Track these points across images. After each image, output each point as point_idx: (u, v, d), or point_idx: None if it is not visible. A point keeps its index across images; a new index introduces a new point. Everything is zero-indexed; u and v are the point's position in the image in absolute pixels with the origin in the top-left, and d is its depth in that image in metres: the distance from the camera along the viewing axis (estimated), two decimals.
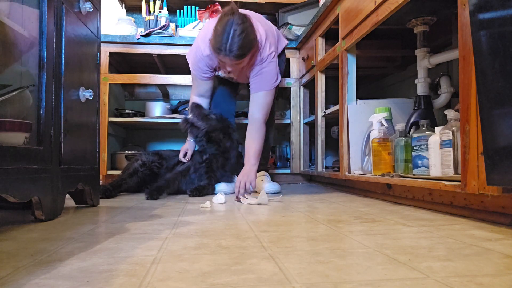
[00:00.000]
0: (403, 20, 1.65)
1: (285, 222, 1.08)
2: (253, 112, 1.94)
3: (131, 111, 2.73)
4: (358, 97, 1.86)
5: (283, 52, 2.17)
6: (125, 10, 3.16)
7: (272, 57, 1.91)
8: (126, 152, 2.64)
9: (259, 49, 1.87)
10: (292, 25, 2.65)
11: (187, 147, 2.12)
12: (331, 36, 2.18)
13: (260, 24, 1.94)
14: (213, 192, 1.95)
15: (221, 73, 2.05)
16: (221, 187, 2.00)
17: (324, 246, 0.78)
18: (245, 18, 1.73)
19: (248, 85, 2.09)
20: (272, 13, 3.07)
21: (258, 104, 1.93)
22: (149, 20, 2.67)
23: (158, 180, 1.99)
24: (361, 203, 1.50)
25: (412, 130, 1.56)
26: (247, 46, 1.73)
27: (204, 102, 2.11)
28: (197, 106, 2.05)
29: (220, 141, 2.02)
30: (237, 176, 2.14)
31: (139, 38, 2.53)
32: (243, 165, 1.94)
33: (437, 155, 1.24)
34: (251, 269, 0.63)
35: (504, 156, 0.82)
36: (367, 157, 1.74)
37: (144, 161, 2.09)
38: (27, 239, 0.89)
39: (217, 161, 2.03)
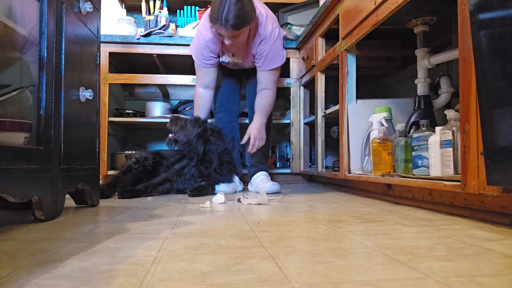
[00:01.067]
0: (403, 20, 1.65)
1: (285, 222, 1.08)
2: (264, 87, 2.02)
3: (131, 111, 2.74)
4: (358, 97, 1.86)
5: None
6: (125, 10, 3.16)
7: (277, 34, 1.94)
8: (126, 152, 2.64)
9: (259, 25, 1.90)
10: (292, 25, 2.65)
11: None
12: (331, 36, 2.18)
13: (260, 5, 1.97)
14: (213, 192, 1.95)
15: (226, 58, 2.05)
16: (221, 187, 2.00)
17: (324, 246, 0.78)
18: None
19: (248, 79, 2.11)
20: None
21: (268, 82, 2.01)
22: (149, 20, 2.67)
23: (153, 178, 2.01)
24: (361, 203, 1.50)
25: (412, 130, 1.56)
26: (244, 17, 1.74)
27: (208, 94, 2.11)
28: (176, 118, 2.03)
29: (195, 150, 1.98)
30: (237, 176, 2.15)
31: (139, 38, 2.53)
32: (229, 163, 1.98)
33: (437, 155, 1.24)
34: (251, 269, 0.63)
35: (504, 156, 0.82)
36: (367, 157, 1.74)
37: (137, 158, 2.09)
38: (27, 239, 0.89)
39: (198, 168, 2.00)
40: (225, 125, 2.19)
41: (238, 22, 1.73)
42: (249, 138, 2.03)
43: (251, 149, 1.99)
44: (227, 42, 1.85)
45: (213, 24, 1.79)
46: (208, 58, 2.01)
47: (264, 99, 2.05)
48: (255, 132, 2.00)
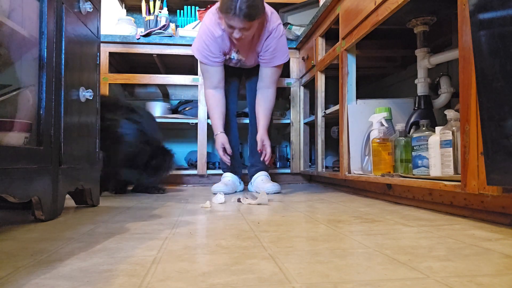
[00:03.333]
0: (403, 20, 1.65)
1: (285, 222, 1.08)
2: (266, 85, 2.05)
3: None
4: (358, 97, 1.86)
5: None
6: (125, 10, 3.16)
7: (282, 30, 1.97)
8: None
9: (266, 21, 1.91)
10: (292, 25, 2.65)
11: (221, 141, 2.04)
12: (331, 36, 2.18)
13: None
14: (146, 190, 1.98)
15: (232, 55, 2.04)
16: (220, 187, 2.00)
17: (324, 246, 0.78)
18: None
19: (248, 78, 2.15)
20: None
21: (271, 80, 2.04)
22: (149, 20, 2.67)
23: None
24: (361, 203, 1.50)
25: (412, 130, 1.56)
26: (256, 8, 1.75)
27: (219, 93, 2.08)
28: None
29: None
30: (237, 175, 2.16)
31: (139, 38, 2.53)
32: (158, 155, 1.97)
33: (437, 155, 1.24)
34: (251, 269, 0.63)
35: (504, 156, 0.82)
36: (367, 157, 1.74)
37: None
38: (27, 239, 0.89)
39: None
40: (224, 127, 2.19)
41: (252, 12, 1.73)
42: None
43: (267, 158, 2.04)
44: (237, 35, 1.82)
45: (225, 15, 1.77)
46: (216, 55, 1.98)
47: (266, 103, 2.06)
48: (266, 140, 2.04)
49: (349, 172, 1.83)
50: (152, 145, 1.96)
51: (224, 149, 2.04)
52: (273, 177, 2.41)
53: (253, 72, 2.14)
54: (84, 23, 1.39)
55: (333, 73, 2.23)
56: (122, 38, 2.52)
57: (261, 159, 2.06)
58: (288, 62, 2.68)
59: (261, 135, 2.04)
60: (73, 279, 0.59)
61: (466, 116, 1.02)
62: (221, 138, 2.04)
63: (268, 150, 2.03)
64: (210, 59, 1.99)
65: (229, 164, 2.08)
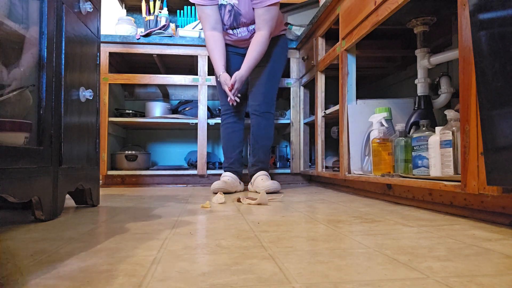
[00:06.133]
0: (403, 20, 1.65)
1: (285, 222, 1.08)
2: (259, 27, 2.02)
3: (131, 111, 2.74)
4: (358, 97, 1.86)
5: (284, 39, 2.18)
6: (125, 10, 3.16)
7: None
8: (126, 152, 2.64)
9: None
10: (292, 25, 2.65)
11: (226, 77, 2.06)
12: (331, 36, 2.18)
13: None
14: None
15: (225, 0, 2.05)
16: (219, 184, 2.00)
17: (324, 246, 0.78)
18: None
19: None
20: None
21: (263, 19, 1.99)
22: (149, 20, 2.67)
23: None
24: (361, 203, 1.50)
25: (412, 130, 1.56)
26: None
27: (218, 35, 2.09)
28: None
29: None
30: (238, 176, 2.15)
31: (139, 38, 2.53)
32: None
33: (437, 155, 1.24)
34: (251, 269, 0.63)
35: (504, 156, 0.82)
36: (367, 157, 1.74)
37: None
38: (27, 239, 0.89)
39: None
40: (229, 126, 2.20)
41: None
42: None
43: (233, 94, 2.02)
44: None
45: None
46: None
47: (254, 45, 2.03)
48: (238, 82, 2.02)
49: (349, 172, 1.83)
50: None
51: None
52: (273, 177, 2.41)
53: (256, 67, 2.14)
54: (84, 23, 1.39)
55: (333, 73, 2.23)
56: (122, 38, 2.52)
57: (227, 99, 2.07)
58: (288, 62, 2.68)
59: (236, 73, 2.02)
60: (73, 279, 0.59)
61: (466, 116, 1.02)
62: (226, 77, 2.06)
63: (234, 88, 2.02)
64: None
65: (235, 103, 2.08)
